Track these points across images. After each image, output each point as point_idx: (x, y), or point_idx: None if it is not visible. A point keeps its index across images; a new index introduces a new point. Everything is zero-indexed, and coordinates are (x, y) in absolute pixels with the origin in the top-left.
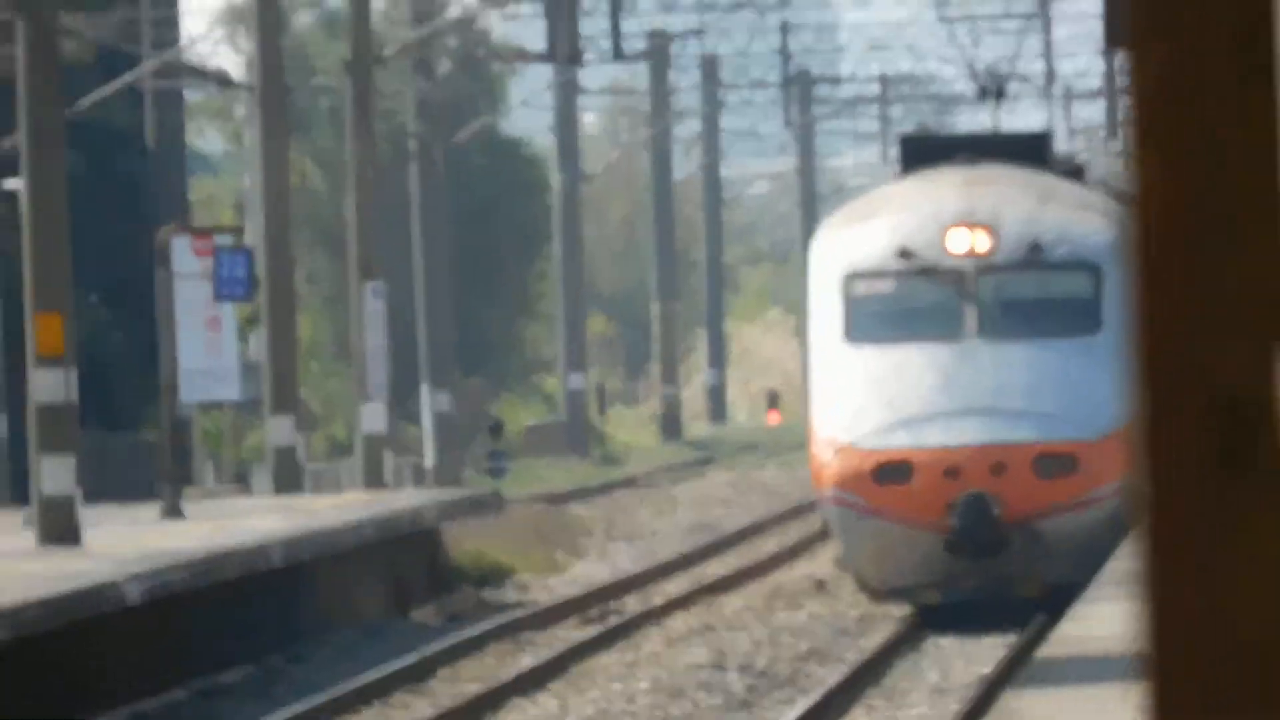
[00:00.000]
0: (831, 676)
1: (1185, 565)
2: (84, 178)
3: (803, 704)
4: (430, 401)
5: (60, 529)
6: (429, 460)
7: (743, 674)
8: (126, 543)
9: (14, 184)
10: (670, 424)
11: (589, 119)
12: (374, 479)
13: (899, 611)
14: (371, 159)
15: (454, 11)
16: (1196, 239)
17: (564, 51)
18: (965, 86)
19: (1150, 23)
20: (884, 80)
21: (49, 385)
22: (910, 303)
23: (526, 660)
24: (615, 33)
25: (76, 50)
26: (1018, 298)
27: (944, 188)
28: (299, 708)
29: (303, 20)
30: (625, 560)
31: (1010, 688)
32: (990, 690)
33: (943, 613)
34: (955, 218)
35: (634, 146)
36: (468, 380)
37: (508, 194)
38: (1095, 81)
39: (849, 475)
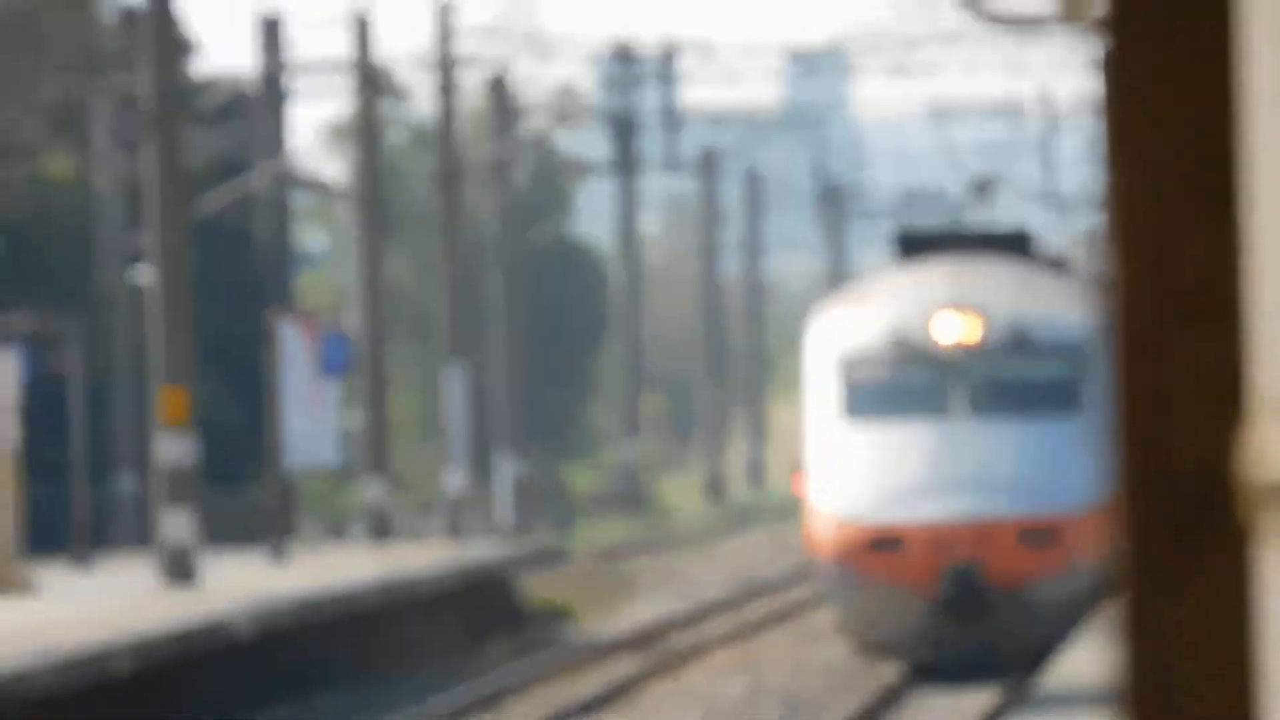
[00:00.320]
0: (855, 702)
1: (1147, 631)
2: (203, 271)
3: None
4: (505, 467)
5: (181, 572)
6: (503, 518)
7: (778, 702)
8: (239, 584)
9: (145, 276)
10: (714, 489)
11: (651, 222)
12: (455, 534)
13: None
14: (457, 256)
15: (530, 127)
16: (1162, 335)
17: (626, 163)
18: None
19: (1118, 155)
20: (909, 195)
21: (173, 448)
22: (902, 384)
23: (584, 690)
24: (670, 148)
25: (196, 162)
26: (1003, 380)
27: (935, 277)
28: None
29: (395, 135)
30: (673, 604)
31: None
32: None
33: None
34: (945, 305)
35: (687, 247)
36: (537, 449)
37: (574, 288)
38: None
39: (845, 546)
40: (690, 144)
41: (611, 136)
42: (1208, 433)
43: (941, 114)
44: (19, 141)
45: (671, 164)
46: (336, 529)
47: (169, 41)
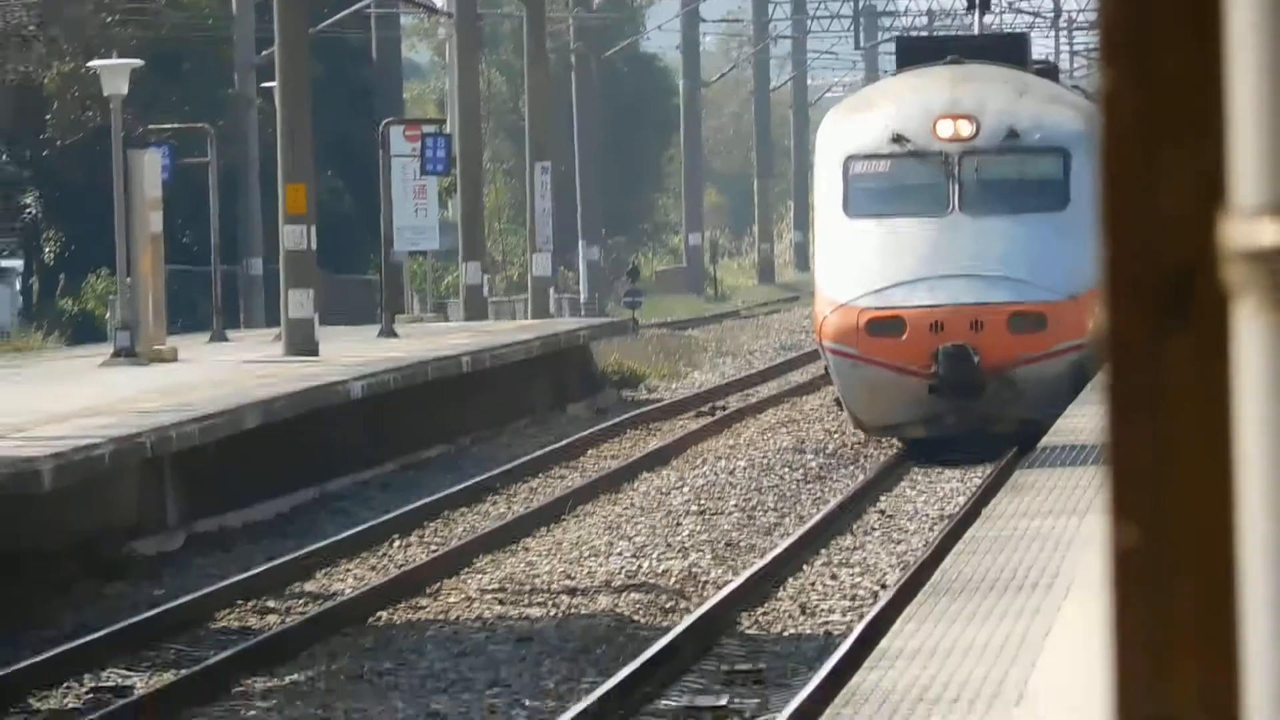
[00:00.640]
0: (884, 455)
1: (1135, 415)
2: (323, 82)
3: (862, 478)
4: (584, 252)
5: (302, 344)
6: (583, 296)
7: (817, 455)
8: (352, 354)
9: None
10: (766, 271)
11: (707, 40)
12: (540, 310)
13: None
14: (542, 68)
15: None
16: (1148, 135)
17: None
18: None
19: None
20: (930, 14)
21: (295, 236)
22: (901, 182)
23: (654, 443)
24: None
25: None
26: (996, 178)
27: (933, 82)
28: (480, 476)
29: None
30: (730, 370)
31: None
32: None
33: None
34: (942, 108)
35: (741, 62)
36: (613, 237)
37: (644, 96)
38: (1094, 15)
39: (847, 329)
40: None
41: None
42: (1188, 221)
43: None
44: None
45: None
46: (438, 307)
47: None
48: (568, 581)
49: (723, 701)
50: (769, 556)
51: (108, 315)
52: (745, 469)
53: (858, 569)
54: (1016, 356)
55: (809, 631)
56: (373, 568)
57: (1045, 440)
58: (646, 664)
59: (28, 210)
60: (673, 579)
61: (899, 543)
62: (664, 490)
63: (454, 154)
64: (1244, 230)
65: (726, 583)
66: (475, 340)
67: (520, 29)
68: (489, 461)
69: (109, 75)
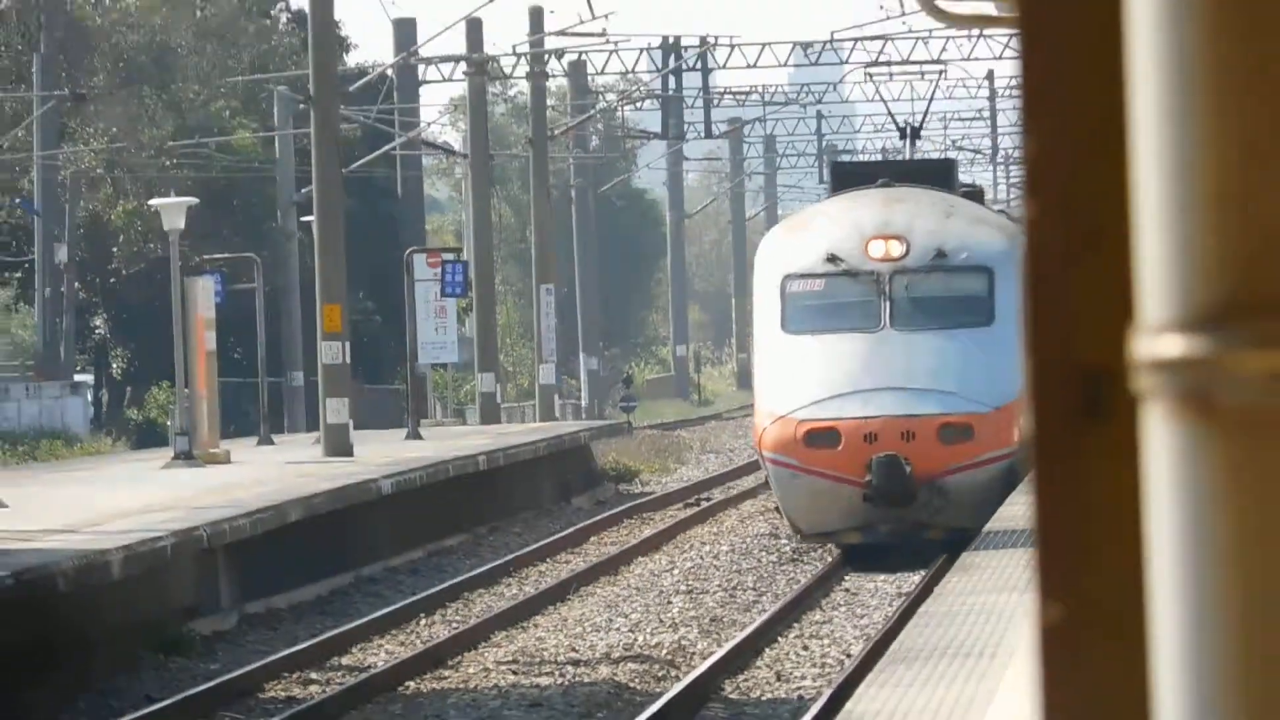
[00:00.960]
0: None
1: (1058, 506)
2: (355, 215)
3: (830, 560)
4: (584, 363)
5: (339, 446)
6: (584, 401)
7: (790, 540)
8: (382, 455)
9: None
10: (744, 378)
11: (690, 176)
12: (547, 414)
13: None
14: (546, 202)
15: (601, 104)
16: (1066, 258)
17: (673, 131)
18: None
19: (1028, 122)
20: (884, 151)
21: (331, 351)
22: (836, 299)
23: (647, 530)
24: (707, 119)
25: (350, 131)
26: (925, 295)
27: (866, 204)
28: (496, 562)
29: (499, 109)
30: (713, 466)
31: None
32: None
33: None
34: (874, 229)
35: (720, 195)
36: (609, 349)
37: (635, 226)
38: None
39: (785, 440)
40: (721, 116)
41: (662, 110)
42: (1102, 332)
43: (874, 73)
44: (216, 118)
45: (707, 131)
46: (457, 412)
47: (328, 40)
48: (572, 654)
49: None
50: (748, 630)
51: (168, 422)
52: (728, 553)
53: (826, 640)
54: (946, 466)
55: (784, 696)
56: (402, 643)
57: (989, 526)
58: None
59: (97, 331)
60: (664, 650)
61: (862, 617)
62: (656, 572)
63: (470, 278)
64: (1149, 342)
65: (711, 653)
66: (490, 442)
67: (527, 168)
68: (503, 548)
69: (168, 212)
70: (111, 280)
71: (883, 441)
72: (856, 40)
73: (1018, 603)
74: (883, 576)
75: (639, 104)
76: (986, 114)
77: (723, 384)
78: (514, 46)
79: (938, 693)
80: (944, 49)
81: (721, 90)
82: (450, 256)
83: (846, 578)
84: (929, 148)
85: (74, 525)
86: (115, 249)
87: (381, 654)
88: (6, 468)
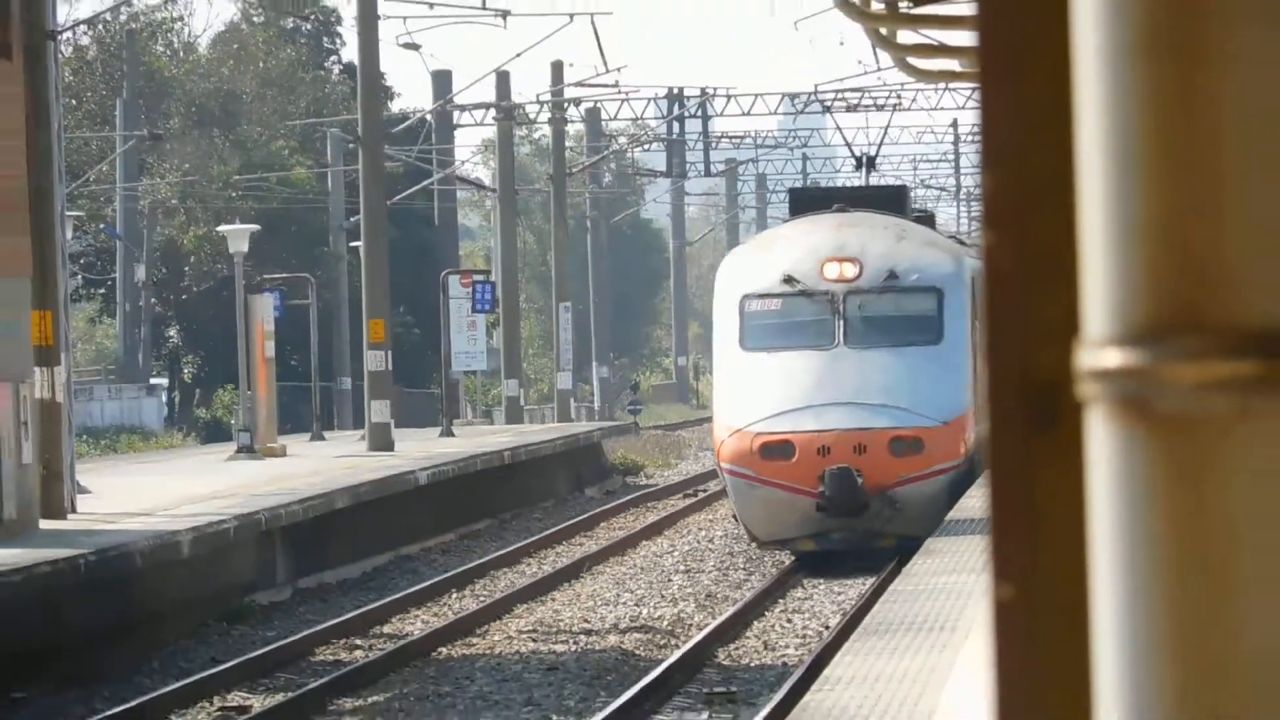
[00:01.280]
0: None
1: (1011, 498)
2: (397, 241)
3: (811, 545)
4: (596, 371)
5: (381, 442)
6: (596, 405)
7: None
8: (419, 450)
9: (357, 244)
10: None
11: (691, 209)
12: (564, 416)
13: None
14: (564, 231)
15: (614, 146)
16: (1019, 282)
17: (677, 170)
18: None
19: (987, 163)
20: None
21: (376, 359)
22: (792, 318)
23: (651, 517)
24: (706, 160)
25: (393, 168)
26: (877, 315)
27: (821, 228)
28: (518, 544)
29: (523, 150)
30: (709, 462)
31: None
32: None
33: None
34: (829, 252)
35: (717, 225)
36: (618, 359)
37: (643, 252)
38: None
39: (742, 452)
40: (718, 157)
41: (667, 152)
42: (1051, 347)
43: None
44: (276, 156)
45: (706, 170)
46: (485, 413)
47: (374, 89)
48: (585, 624)
49: (704, 717)
50: (739, 605)
51: (232, 421)
52: (721, 537)
53: (807, 614)
54: (897, 477)
55: (770, 662)
56: (435, 614)
57: (950, 515)
58: (645, 688)
59: (171, 340)
60: (665, 622)
61: (839, 594)
62: (658, 554)
63: (497, 296)
64: (1092, 355)
65: (706, 625)
66: (514, 439)
67: (548, 201)
68: (524, 532)
69: (233, 237)
70: (183, 296)
71: (836, 454)
72: (837, 93)
73: (976, 582)
74: (857, 559)
75: (647, 146)
76: (951, 156)
77: None
78: (538, 95)
79: (905, 661)
80: (914, 100)
81: (719, 135)
82: (480, 277)
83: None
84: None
85: (149, 510)
86: (187, 269)
87: (418, 623)
88: (91, 459)
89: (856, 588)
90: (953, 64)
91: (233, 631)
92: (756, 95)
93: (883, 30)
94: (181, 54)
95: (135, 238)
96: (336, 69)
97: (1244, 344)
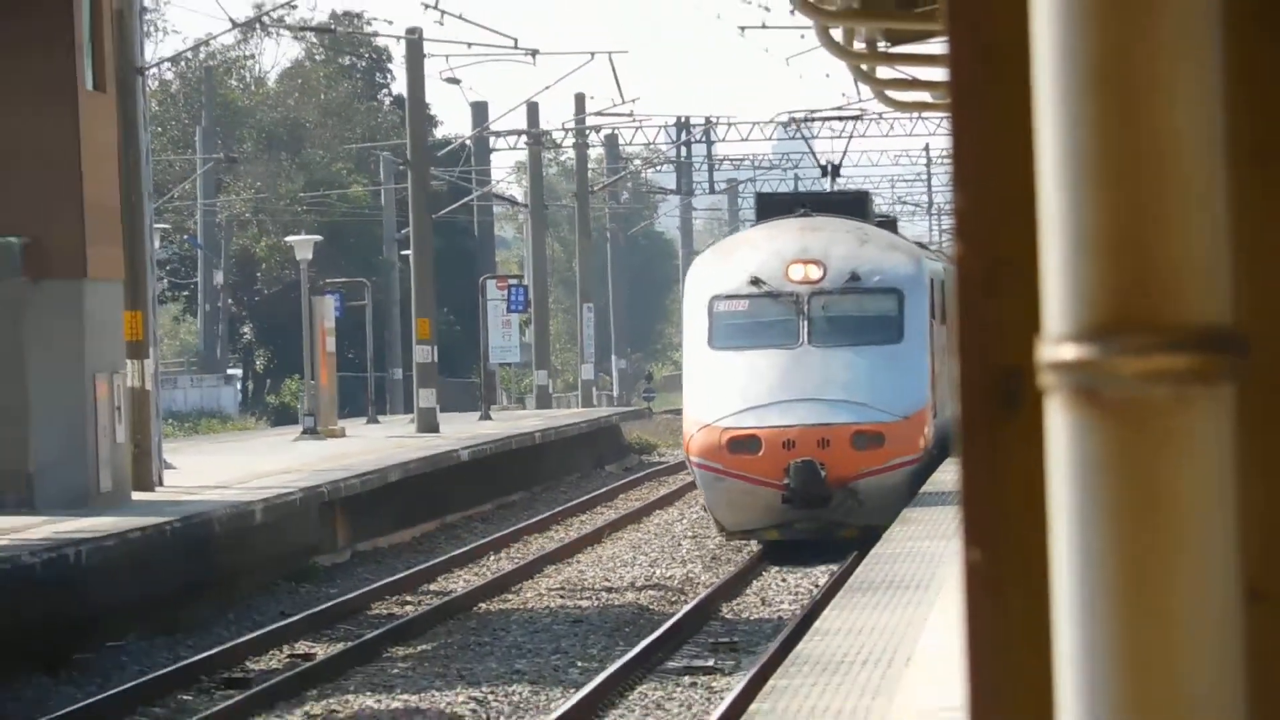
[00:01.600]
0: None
1: (980, 473)
2: (441, 250)
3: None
4: (615, 363)
5: (428, 425)
6: (615, 392)
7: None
8: (461, 432)
9: (408, 253)
10: None
11: (698, 222)
12: (587, 402)
13: None
14: (587, 241)
15: (629, 167)
16: (986, 286)
17: (685, 188)
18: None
19: (958, 182)
20: None
21: (423, 353)
22: (758, 318)
23: (663, 490)
24: (711, 179)
25: (437, 186)
26: (840, 315)
27: (786, 232)
28: (547, 513)
29: (551, 170)
30: None
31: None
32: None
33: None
34: (794, 254)
35: (719, 237)
36: (635, 352)
37: (655, 259)
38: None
39: (711, 446)
40: (721, 177)
41: (676, 172)
42: (1014, 342)
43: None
44: (335, 176)
45: (711, 188)
46: (519, 400)
47: (421, 118)
48: (606, 583)
49: (711, 662)
50: (740, 566)
51: (298, 406)
52: None
53: (800, 574)
54: (858, 470)
55: (767, 616)
56: (475, 573)
57: (924, 489)
58: (659, 638)
59: (245, 336)
60: (676, 581)
61: (829, 558)
62: (670, 522)
63: (529, 298)
64: (1051, 350)
65: (712, 584)
66: (543, 422)
67: (573, 215)
68: (553, 503)
69: (299, 246)
70: (256, 298)
71: (800, 448)
72: (825, 120)
73: (947, 547)
74: (819, 550)
75: (658, 168)
76: (924, 176)
77: None
78: (563, 123)
79: (885, 615)
80: (891, 128)
81: (721, 158)
82: (514, 282)
83: None
84: (879, 202)
85: (226, 483)
86: (259, 274)
87: (460, 582)
88: (175, 440)
89: (844, 551)
90: (925, 96)
91: (299, 589)
92: (754, 123)
93: (863, 66)
94: (253, 87)
95: (214, 247)
96: (387, 100)
97: (1181, 341)
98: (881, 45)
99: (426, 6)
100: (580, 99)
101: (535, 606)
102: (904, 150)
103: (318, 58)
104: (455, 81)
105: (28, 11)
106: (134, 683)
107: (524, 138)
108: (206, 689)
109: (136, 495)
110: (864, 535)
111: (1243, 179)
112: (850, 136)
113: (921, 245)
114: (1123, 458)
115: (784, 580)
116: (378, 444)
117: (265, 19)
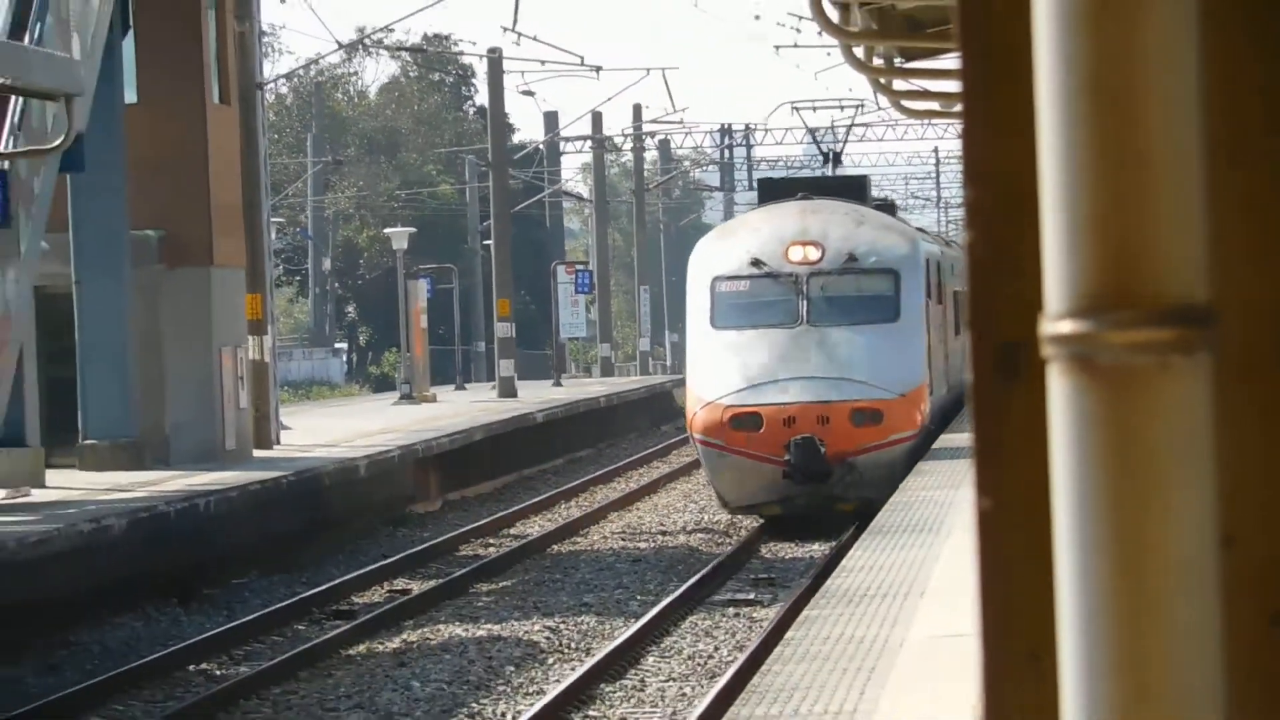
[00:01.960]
0: None
1: (990, 432)
2: (518, 239)
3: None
4: (668, 336)
5: (508, 391)
6: (668, 362)
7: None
8: (536, 397)
9: (488, 243)
10: None
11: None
12: (644, 371)
13: None
14: (643, 232)
15: (680, 168)
16: (993, 269)
17: (728, 186)
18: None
19: (968, 177)
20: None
21: (503, 329)
22: (759, 298)
23: None
24: (750, 178)
25: (514, 184)
26: (838, 295)
27: (786, 214)
28: (610, 467)
29: (613, 170)
30: None
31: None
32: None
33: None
34: (793, 236)
35: None
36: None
37: None
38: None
39: (713, 423)
40: (759, 175)
41: (720, 172)
42: (1019, 317)
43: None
44: (427, 176)
45: (750, 185)
46: (586, 369)
47: (500, 126)
48: (661, 527)
49: (751, 596)
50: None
51: (396, 375)
52: None
53: (829, 520)
54: (858, 446)
55: (800, 555)
56: (549, 519)
57: (937, 444)
58: (706, 574)
59: (349, 315)
60: (722, 525)
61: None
62: None
63: (594, 281)
64: (1051, 324)
65: (752, 528)
66: (606, 389)
67: (631, 209)
68: (615, 459)
69: (396, 237)
70: (359, 282)
71: (800, 425)
72: (849, 126)
73: (956, 495)
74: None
75: (705, 167)
76: (933, 175)
77: None
78: (623, 129)
79: (902, 554)
80: (906, 132)
81: (760, 159)
82: (580, 267)
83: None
84: (894, 196)
85: (334, 442)
86: (361, 261)
87: (535, 527)
88: (290, 405)
89: (866, 500)
90: (934, 105)
91: (397, 533)
92: (786, 129)
93: (881, 80)
94: (356, 100)
95: (322, 238)
96: (471, 110)
97: (1162, 317)
98: (897, 61)
99: (505, 29)
100: (637, 109)
101: (600, 548)
102: (916, 152)
103: (411, 74)
104: (530, 94)
105: (164, 39)
106: (255, 614)
107: (589, 143)
108: (317, 620)
109: (257, 452)
110: (862, 508)
111: (1219, 178)
112: (851, 124)
113: (921, 230)
114: (1113, 417)
115: (817, 524)
116: (464, 408)
117: (366, 41)
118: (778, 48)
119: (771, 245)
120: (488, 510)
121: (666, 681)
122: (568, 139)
